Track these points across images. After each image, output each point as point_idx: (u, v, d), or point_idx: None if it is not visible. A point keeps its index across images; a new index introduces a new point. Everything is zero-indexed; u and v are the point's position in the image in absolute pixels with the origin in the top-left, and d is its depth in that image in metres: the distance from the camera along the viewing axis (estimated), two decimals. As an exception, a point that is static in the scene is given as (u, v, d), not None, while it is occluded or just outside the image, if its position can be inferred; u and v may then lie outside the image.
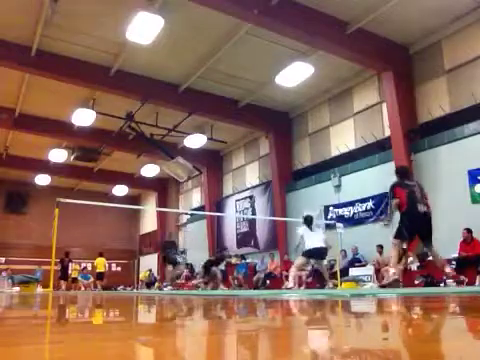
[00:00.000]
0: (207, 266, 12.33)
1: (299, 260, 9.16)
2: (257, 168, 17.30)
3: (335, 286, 10.11)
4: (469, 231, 9.08)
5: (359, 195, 12.49)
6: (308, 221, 9.30)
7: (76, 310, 3.31)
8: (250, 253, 16.25)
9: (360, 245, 11.80)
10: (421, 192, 6.62)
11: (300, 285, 11.15)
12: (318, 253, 8.97)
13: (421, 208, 6.44)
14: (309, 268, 11.02)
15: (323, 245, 9.01)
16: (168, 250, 12.79)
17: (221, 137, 16.47)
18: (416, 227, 6.54)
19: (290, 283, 9.31)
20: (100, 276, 17.57)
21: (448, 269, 6.81)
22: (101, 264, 17.70)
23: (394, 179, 6.92)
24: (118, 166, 20.88)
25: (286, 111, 15.55)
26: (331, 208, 13.36)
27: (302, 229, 9.22)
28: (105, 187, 22.93)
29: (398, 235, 6.65)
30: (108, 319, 2.36)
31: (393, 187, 6.74)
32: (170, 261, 12.61)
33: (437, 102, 10.93)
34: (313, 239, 8.96)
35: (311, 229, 9.19)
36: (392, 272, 6.70)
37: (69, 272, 17.29)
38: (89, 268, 19.70)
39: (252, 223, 16.75)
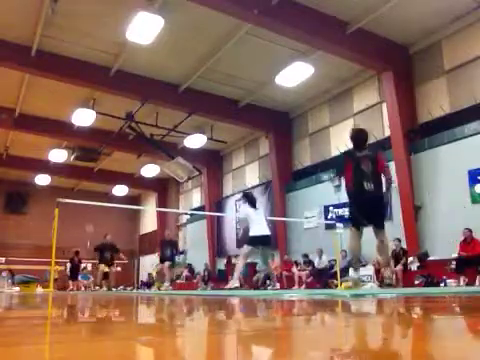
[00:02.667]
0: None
1: (245, 250, 7.50)
2: (257, 168, 17.29)
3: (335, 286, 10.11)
4: (469, 231, 9.09)
5: (359, 195, 12.46)
6: (251, 199, 7.64)
7: (76, 310, 3.31)
8: (250, 253, 16.22)
9: (360, 245, 11.78)
10: (372, 165, 5.36)
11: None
12: (265, 240, 7.47)
13: (367, 186, 5.26)
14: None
15: (269, 232, 7.55)
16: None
17: (221, 137, 16.47)
18: (362, 211, 5.35)
19: (235, 281, 7.55)
20: (105, 276, 17.51)
21: (389, 271, 5.87)
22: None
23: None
24: (118, 166, 20.88)
25: (286, 111, 15.55)
26: (331, 208, 13.35)
27: (245, 209, 7.67)
28: (105, 187, 22.92)
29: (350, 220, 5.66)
30: (108, 319, 2.36)
31: (343, 158, 5.75)
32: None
33: (437, 102, 10.93)
34: (259, 223, 7.42)
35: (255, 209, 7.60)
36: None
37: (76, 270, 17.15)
38: (89, 268, 19.65)
39: (252, 223, 16.71)
